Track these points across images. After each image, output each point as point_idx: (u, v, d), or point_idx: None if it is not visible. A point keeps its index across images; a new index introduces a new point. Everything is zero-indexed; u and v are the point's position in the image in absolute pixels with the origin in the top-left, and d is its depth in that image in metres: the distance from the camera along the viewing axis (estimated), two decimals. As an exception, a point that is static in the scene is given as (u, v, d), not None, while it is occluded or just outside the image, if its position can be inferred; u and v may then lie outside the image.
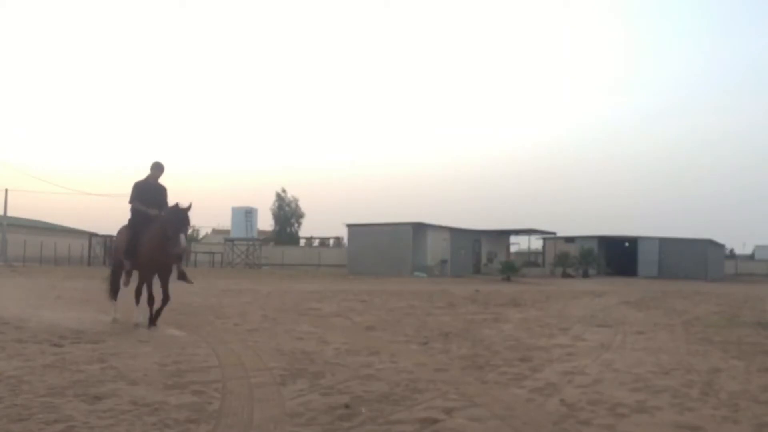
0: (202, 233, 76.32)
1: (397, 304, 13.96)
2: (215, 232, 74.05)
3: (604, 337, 8.77)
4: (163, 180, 9.01)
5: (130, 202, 8.76)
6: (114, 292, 9.23)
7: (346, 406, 4.48)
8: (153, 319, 8.38)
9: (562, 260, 42.64)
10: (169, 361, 6.09)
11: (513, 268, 33.30)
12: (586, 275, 40.81)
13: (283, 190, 72.87)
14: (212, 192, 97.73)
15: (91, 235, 44.45)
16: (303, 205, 74.13)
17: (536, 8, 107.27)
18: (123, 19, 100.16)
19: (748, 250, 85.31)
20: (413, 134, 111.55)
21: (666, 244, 45.03)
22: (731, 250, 75.04)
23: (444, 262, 37.83)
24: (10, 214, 53.29)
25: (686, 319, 11.61)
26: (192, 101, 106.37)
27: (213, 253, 49.64)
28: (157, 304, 8.38)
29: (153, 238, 8.31)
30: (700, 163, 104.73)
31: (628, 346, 7.88)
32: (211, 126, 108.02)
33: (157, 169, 8.93)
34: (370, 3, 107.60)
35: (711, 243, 46.13)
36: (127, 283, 8.90)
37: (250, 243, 48.97)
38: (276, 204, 72.42)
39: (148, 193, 8.79)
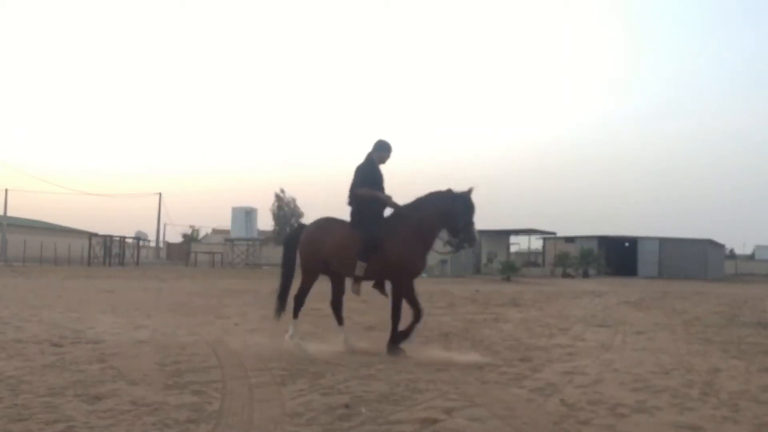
0: (202, 233, 76.47)
1: (397, 304, 13.94)
2: (215, 232, 74.11)
3: (604, 337, 8.77)
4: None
5: (355, 189, 6.95)
6: (298, 307, 7.37)
7: (346, 406, 4.48)
8: (403, 337, 6.73)
9: (562, 260, 42.63)
10: (169, 361, 6.09)
11: (513, 268, 33.29)
12: (586, 275, 40.78)
13: (282, 191, 72.89)
14: (212, 192, 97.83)
15: (91, 235, 44.41)
16: (302, 205, 74.16)
17: (536, 8, 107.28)
18: (123, 19, 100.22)
19: (748, 250, 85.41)
20: (413, 134, 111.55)
21: (666, 244, 45.03)
22: (731, 250, 75.06)
23: (444, 262, 37.81)
24: (10, 214, 53.43)
25: (686, 319, 11.60)
26: (191, 101, 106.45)
27: (213, 253, 49.63)
28: (395, 320, 6.84)
29: (415, 236, 6.71)
30: (700, 163, 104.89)
31: (628, 346, 7.87)
32: (211, 126, 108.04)
33: (386, 150, 7.11)
34: (370, 3, 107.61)
35: (711, 243, 46.13)
36: (359, 292, 7.04)
37: (250, 243, 48.99)
38: (275, 204, 72.53)
39: (374, 181, 6.99)
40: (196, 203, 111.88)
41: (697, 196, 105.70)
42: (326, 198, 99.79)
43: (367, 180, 6.93)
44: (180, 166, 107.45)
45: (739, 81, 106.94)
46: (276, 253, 54.40)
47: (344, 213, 7.16)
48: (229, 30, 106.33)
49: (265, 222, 68.97)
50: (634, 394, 5.11)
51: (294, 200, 73.51)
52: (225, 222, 56.66)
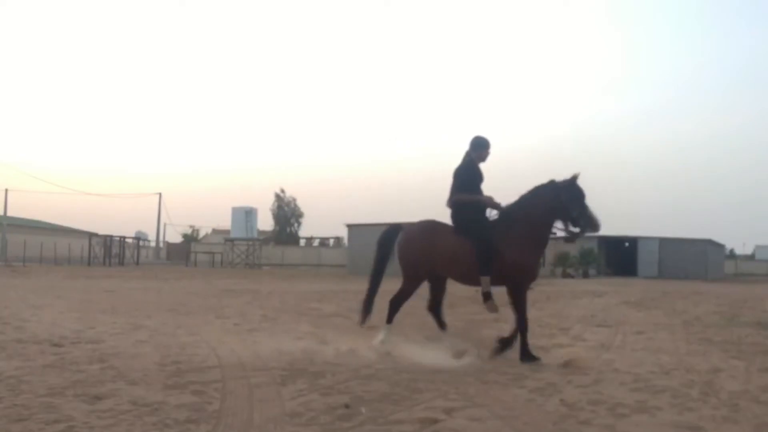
0: (202, 233, 76.48)
1: (397, 304, 13.94)
2: (215, 232, 74.17)
3: (604, 337, 8.76)
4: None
5: (453, 195, 6.63)
6: (394, 312, 6.96)
7: (346, 406, 4.47)
8: (524, 351, 6.40)
9: (562, 260, 42.59)
10: (169, 361, 6.09)
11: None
12: (586, 275, 40.77)
13: (282, 191, 73.12)
14: (212, 192, 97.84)
15: (91, 235, 44.44)
16: (303, 205, 74.31)
17: (535, 8, 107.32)
18: (123, 19, 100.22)
19: (748, 250, 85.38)
20: (413, 133, 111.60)
21: (666, 244, 44.99)
22: (731, 250, 75.03)
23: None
24: (10, 214, 53.44)
25: (686, 319, 11.59)
26: (191, 101, 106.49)
27: (213, 253, 49.67)
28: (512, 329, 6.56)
29: (528, 238, 6.43)
30: (700, 163, 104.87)
31: (628, 346, 7.87)
32: (211, 126, 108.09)
33: (484, 147, 6.71)
34: (369, 2, 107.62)
35: (711, 243, 46.12)
36: (495, 308, 6.63)
37: (250, 243, 48.99)
38: (275, 204, 72.61)
39: (473, 183, 6.62)
40: (196, 203, 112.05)
41: (697, 196, 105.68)
42: (327, 198, 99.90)
43: (465, 183, 6.59)
44: (180, 166, 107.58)
45: (740, 80, 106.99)
46: (276, 253, 54.51)
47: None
48: (230, 30, 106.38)
49: (265, 222, 69.12)
50: (634, 394, 5.11)
51: (294, 200, 73.74)
52: (225, 222, 56.76)
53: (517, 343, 6.53)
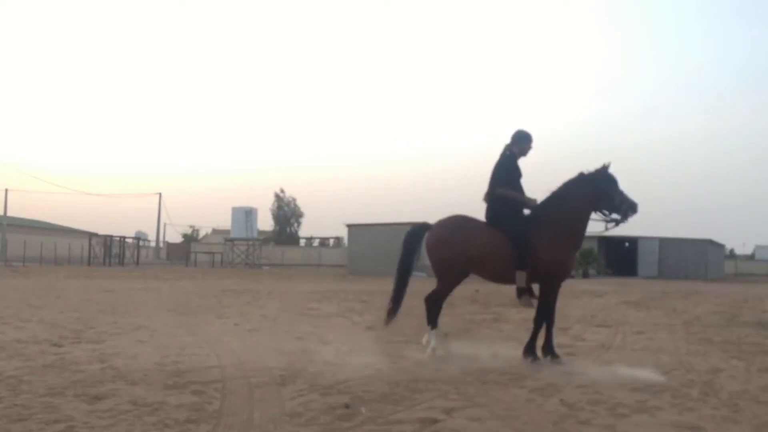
0: (202, 233, 76.54)
1: (397, 304, 13.92)
2: (215, 232, 74.23)
3: (604, 337, 8.77)
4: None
5: (496, 188, 6.50)
6: (436, 314, 6.62)
7: (346, 406, 4.48)
8: (548, 346, 6.60)
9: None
10: (169, 361, 6.09)
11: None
12: (586, 275, 40.75)
13: (282, 191, 73.28)
14: (212, 192, 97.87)
15: (91, 235, 44.43)
16: (303, 205, 74.46)
17: (535, 8, 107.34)
18: (123, 19, 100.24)
19: (748, 250, 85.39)
20: (414, 133, 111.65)
21: (666, 244, 44.98)
22: (731, 250, 75.03)
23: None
24: (10, 214, 53.46)
25: (686, 319, 11.59)
26: (191, 101, 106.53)
27: (213, 253, 49.67)
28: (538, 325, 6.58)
29: (566, 235, 6.38)
30: (699, 163, 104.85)
31: (628, 346, 7.88)
32: (211, 126, 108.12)
33: (527, 141, 6.63)
34: (369, 2, 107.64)
35: (711, 243, 46.10)
36: (529, 303, 6.68)
37: (250, 243, 48.99)
38: (275, 204, 72.73)
39: (514, 179, 6.56)
40: (196, 203, 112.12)
41: (697, 196, 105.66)
42: (327, 198, 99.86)
43: (504, 179, 6.48)
44: (180, 166, 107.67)
45: (740, 80, 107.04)
46: (276, 253, 54.50)
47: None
48: (229, 30, 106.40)
49: (265, 222, 69.22)
50: (634, 394, 5.11)
51: (294, 200, 73.91)
52: (225, 222, 56.75)
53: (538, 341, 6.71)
